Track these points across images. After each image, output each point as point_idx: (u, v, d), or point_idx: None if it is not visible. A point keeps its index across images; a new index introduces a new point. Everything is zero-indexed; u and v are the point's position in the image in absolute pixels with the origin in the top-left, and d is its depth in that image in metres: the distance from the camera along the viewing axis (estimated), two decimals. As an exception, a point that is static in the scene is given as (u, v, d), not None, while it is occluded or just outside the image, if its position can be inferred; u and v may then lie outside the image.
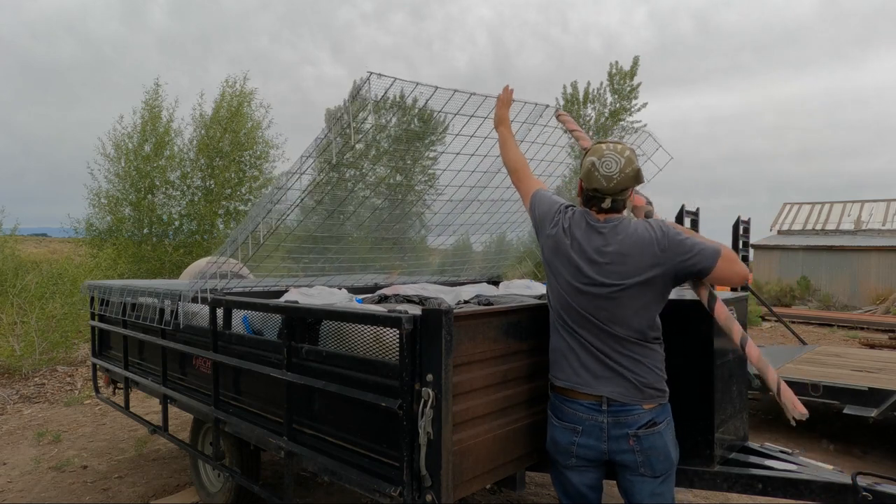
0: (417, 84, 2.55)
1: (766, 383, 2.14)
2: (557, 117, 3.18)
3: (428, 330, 1.93)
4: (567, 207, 2.22)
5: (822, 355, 6.28)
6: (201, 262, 3.25)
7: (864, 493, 2.30)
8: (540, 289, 3.55)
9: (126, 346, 4.03)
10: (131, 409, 4.27)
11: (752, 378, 5.06)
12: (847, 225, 20.24)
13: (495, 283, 4.35)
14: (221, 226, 12.04)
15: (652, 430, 2.05)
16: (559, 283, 2.15)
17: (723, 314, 2.16)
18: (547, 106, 3.23)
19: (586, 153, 2.14)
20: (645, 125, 17.62)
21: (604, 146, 2.09)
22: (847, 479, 2.37)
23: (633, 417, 2.04)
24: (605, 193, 2.07)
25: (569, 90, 17.92)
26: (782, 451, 2.80)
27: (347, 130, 2.44)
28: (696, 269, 2.02)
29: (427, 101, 2.68)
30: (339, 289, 3.43)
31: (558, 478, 2.22)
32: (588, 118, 18.02)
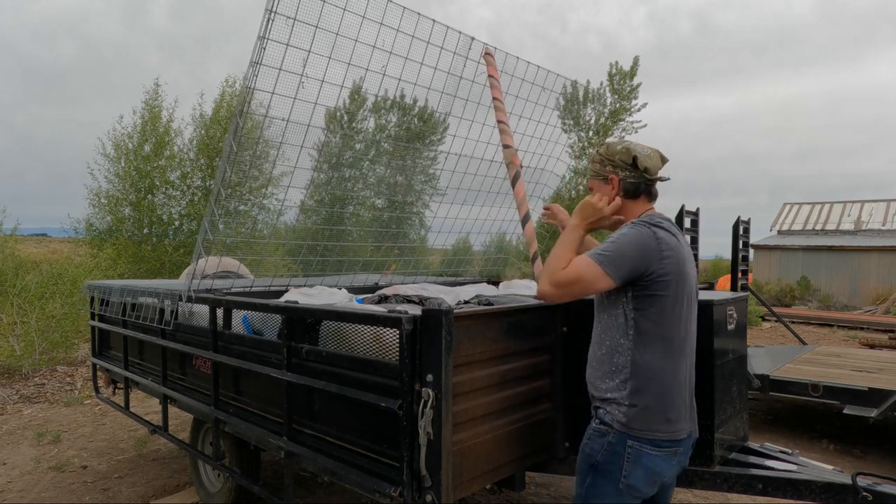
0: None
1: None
2: (484, 56, 3.24)
3: (428, 330, 1.93)
4: (653, 227, 1.80)
5: (822, 355, 6.27)
6: (201, 262, 3.25)
7: (864, 493, 2.30)
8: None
9: (126, 346, 4.03)
10: (131, 409, 4.27)
11: (753, 378, 5.07)
12: (847, 225, 20.24)
13: (495, 283, 4.34)
14: (221, 226, 12.02)
15: None
16: (684, 306, 1.84)
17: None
18: (473, 39, 3.20)
19: (613, 148, 1.93)
20: (645, 125, 17.63)
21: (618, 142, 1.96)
22: (847, 479, 2.37)
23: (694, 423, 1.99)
24: (653, 177, 1.90)
25: (569, 89, 17.91)
26: (782, 451, 2.80)
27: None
28: None
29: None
30: (339, 289, 3.42)
31: None
32: (588, 118, 18.01)
